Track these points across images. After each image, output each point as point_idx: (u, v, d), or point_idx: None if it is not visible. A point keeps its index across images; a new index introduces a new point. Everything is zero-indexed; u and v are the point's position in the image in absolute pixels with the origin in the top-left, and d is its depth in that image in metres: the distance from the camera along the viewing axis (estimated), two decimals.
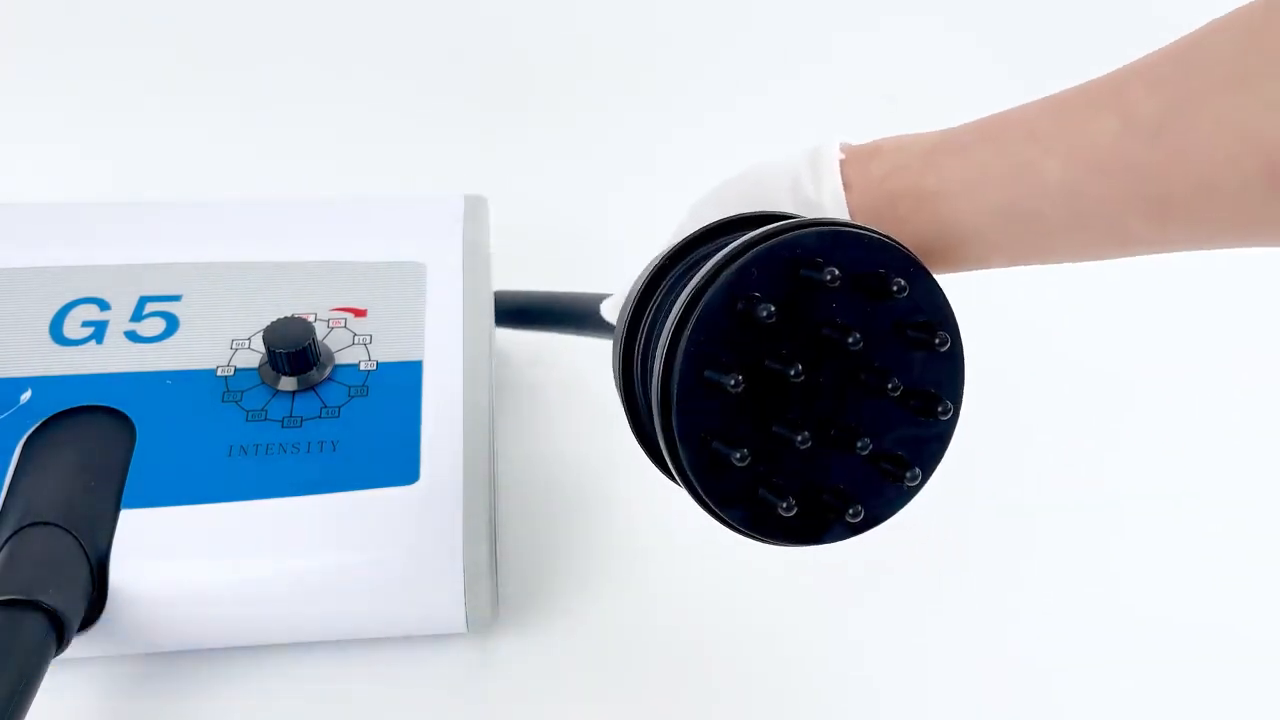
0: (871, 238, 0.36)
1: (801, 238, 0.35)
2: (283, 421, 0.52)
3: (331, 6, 0.97)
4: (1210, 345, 0.71)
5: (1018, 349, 0.68)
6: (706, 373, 0.34)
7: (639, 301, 0.41)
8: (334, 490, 0.50)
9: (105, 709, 0.49)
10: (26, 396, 0.51)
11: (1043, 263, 0.43)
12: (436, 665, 0.51)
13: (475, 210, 0.64)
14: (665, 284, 0.41)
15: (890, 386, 0.35)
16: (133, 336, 0.54)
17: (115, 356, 0.53)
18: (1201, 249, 0.39)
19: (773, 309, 0.33)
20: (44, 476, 0.49)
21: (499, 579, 0.54)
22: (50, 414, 0.51)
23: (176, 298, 0.56)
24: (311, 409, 0.52)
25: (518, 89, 0.95)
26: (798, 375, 0.34)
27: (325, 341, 0.55)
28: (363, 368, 0.54)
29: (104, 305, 0.56)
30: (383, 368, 0.54)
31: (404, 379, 0.54)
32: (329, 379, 0.54)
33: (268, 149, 0.87)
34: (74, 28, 0.93)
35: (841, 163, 0.45)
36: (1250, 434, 0.66)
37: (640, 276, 0.42)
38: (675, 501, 0.62)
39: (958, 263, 0.44)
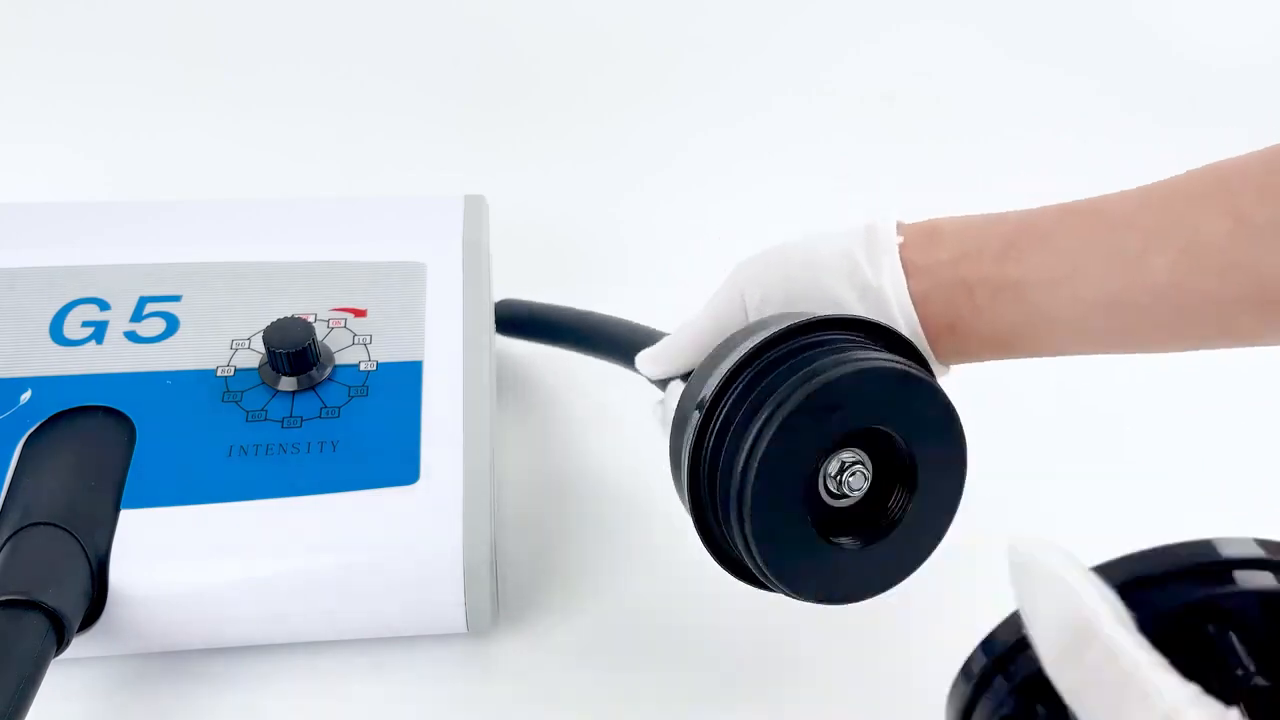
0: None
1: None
2: (283, 422, 0.52)
3: (331, 7, 0.97)
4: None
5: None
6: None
7: (701, 426, 0.43)
8: (334, 490, 0.50)
9: (105, 709, 0.49)
10: (26, 396, 0.52)
11: (1132, 352, 0.43)
12: (436, 665, 0.51)
13: (475, 210, 0.64)
14: (726, 404, 0.42)
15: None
16: (133, 336, 0.54)
17: (115, 356, 0.53)
18: None
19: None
20: (44, 476, 0.49)
21: (499, 579, 0.54)
22: (50, 414, 0.51)
23: (176, 298, 0.56)
24: (311, 409, 0.52)
25: (518, 89, 0.95)
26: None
27: (325, 341, 0.55)
28: (363, 368, 0.54)
29: (104, 305, 0.56)
30: (383, 368, 0.54)
31: (404, 379, 0.54)
32: (329, 379, 0.54)
33: (268, 149, 0.87)
34: (74, 28, 0.93)
35: (900, 246, 0.45)
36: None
37: (699, 391, 0.43)
38: (675, 503, 0.62)
39: (1042, 351, 0.44)
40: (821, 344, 0.42)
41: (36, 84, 0.91)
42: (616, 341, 0.59)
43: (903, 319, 0.44)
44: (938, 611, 0.55)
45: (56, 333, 0.54)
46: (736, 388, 0.42)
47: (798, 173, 0.90)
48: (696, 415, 0.43)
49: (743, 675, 0.51)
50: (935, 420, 0.42)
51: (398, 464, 0.51)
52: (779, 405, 0.40)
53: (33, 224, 0.60)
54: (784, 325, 0.42)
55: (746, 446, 0.40)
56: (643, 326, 0.59)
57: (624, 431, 0.65)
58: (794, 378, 0.40)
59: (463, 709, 0.50)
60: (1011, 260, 0.42)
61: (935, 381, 0.42)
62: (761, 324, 0.44)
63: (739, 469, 0.40)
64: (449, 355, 0.55)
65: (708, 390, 0.42)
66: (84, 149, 0.86)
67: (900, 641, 0.54)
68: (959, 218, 0.45)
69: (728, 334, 0.47)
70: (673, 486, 0.58)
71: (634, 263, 0.79)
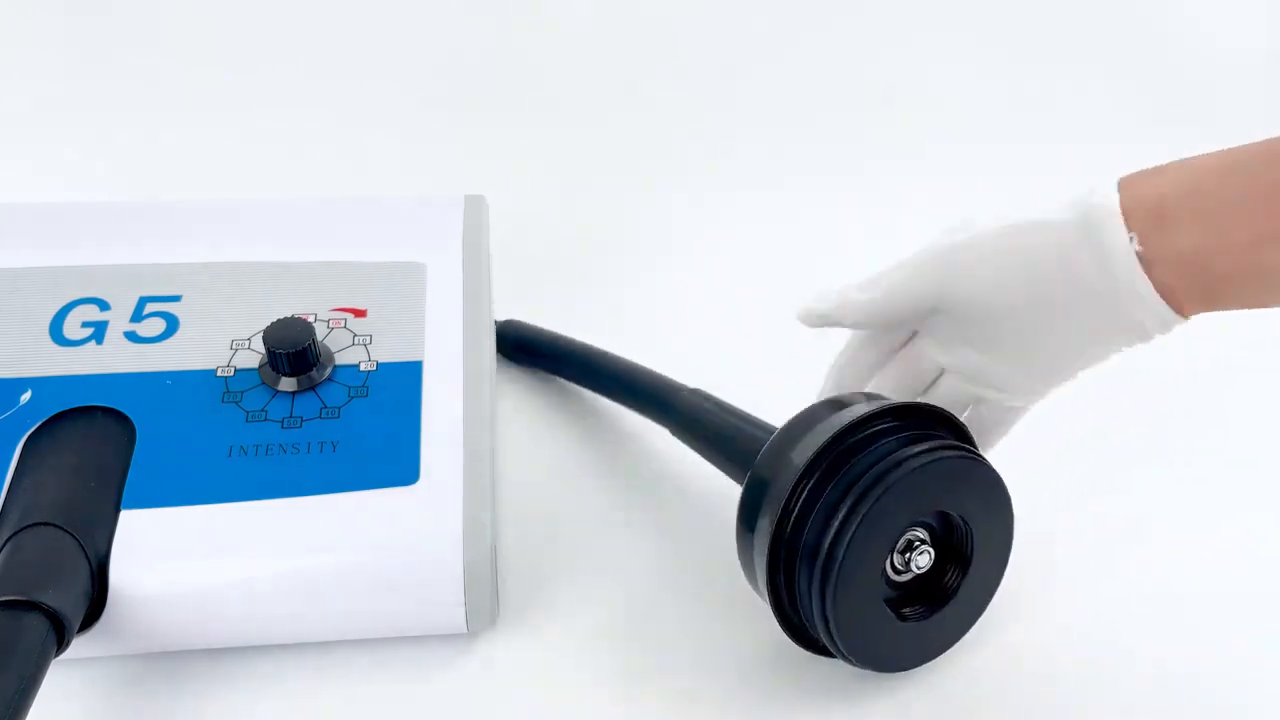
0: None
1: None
2: (283, 422, 0.52)
3: (331, 7, 0.97)
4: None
5: None
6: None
7: (785, 504, 0.45)
8: (334, 490, 0.50)
9: (105, 709, 0.49)
10: (26, 397, 0.52)
11: None
12: (436, 665, 0.51)
13: (475, 210, 0.64)
14: (807, 487, 0.45)
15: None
16: (133, 336, 0.54)
17: (115, 356, 0.53)
18: None
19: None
20: (44, 477, 0.49)
21: (499, 579, 0.54)
22: (50, 414, 0.51)
23: (176, 298, 0.56)
24: (311, 409, 0.52)
25: (519, 89, 0.95)
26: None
27: (325, 342, 0.55)
28: (363, 368, 0.54)
29: (104, 305, 0.56)
30: (383, 368, 0.54)
31: (404, 379, 0.54)
32: (329, 379, 0.54)
33: (268, 149, 0.87)
34: (75, 27, 0.93)
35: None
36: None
37: (781, 468, 0.46)
38: (674, 503, 0.62)
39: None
40: (890, 432, 0.46)
41: (37, 84, 0.91)
42: (627, 385, 0.62)
43: (1151, 315, 0.42)
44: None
45: (56, 333, 0.54)
46: (817, 471, 0.45)
47: (799, 173, 0.90)
48: (779, 494, 0.45)
49: (742, 676, 0.51)
50: (990, 500, 0.48)
51: (398, 464, 0.51)
52: (865, 493, 0.44)
53: (33, 224, 0.60)
54: (861, 413, 0.45)
55: (834, 528, 0.44)
56: (648, 370, 0.61)
57: (624, 431, 0.65)
58: (878, 465, 0.44)
59: (463, 709, 0.50)
60: (1268, 249, 0.38)
61: (993, 468, 0.47)
62: (836, 403, 0.48)
63: (825, 549, 0.44)
64: (449, 355, 0.55)
65: (790, 469, 0.45)
66: (84, 149, 0.86)
67: None
68: (1183, 186, 0.40)
69: (901, 323, 0.50)
70: (675, 495, 0.58)
71: (634, 263, 0.79)
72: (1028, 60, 1.01)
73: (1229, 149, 0.40)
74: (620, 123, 0.93)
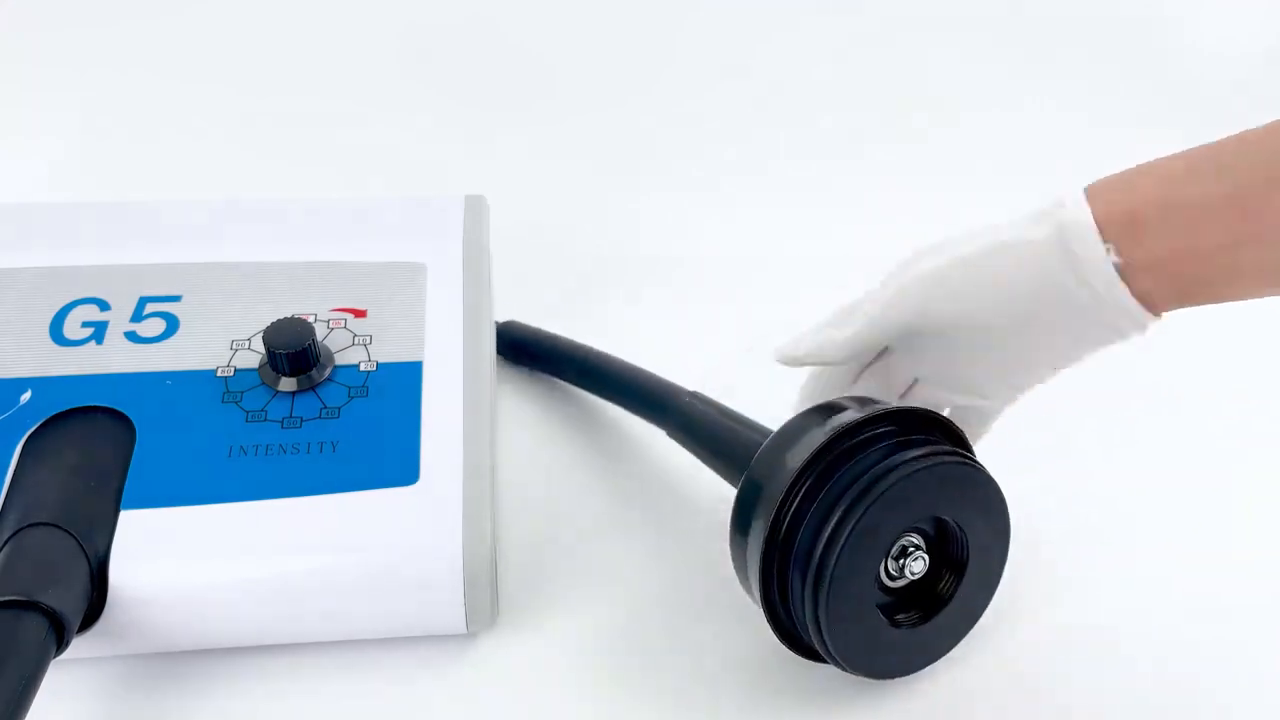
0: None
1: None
2: (283, 422, 0.52)
3: (332, 7, 0.97)
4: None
5: None
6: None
7: (778, 508, 0.45)
8: (334, 490, 0.50)
9: (105, 709, 0.49)
10: (26, 396, 0.52)
11: None
12: (436, 665, 0.51)
13: (475, 210, 0.64)
14: (802, 490, 0.45)
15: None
16: (133, 336, 0.54)
17: (115, 356, 0.53)
18: None
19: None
20: (44, 477, 0.49)
21: (499, 579, 0.54)
22: (50, 414, 0.51)
23: (176, 298, 0.56)
24: (311, 409, 0.52)
25: (519, 88, 0.95)
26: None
27: (325, 342, 0.55)
28: (363, 368, 0.54)
29: (104, 305, 0.56)
30: (383, 368, 0.54)
31: (404, 379, 0.54)
32: (329, 379, 0.54)
33: (268, 149, 0.87)
34: (75, 27, 0.93)
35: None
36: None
37: (773, 474, 0.46)
38: (673, 505, 0.62)
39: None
40: (884, 436, 0.46)
41: (37, 83, 0.91)
42: (625, 387, 0.62)
43: (1130, 320, 0.42)
44: None
45: (56, 333, 0.54)
46: (810, 476, 0.45)
47: (804, 175, 0.90)
48: (773, 497, 0.45)
49: (738, 679, 0.51)
50: (985, 505, 0.47)
51: (398, 464, 0.51)
52: (858, 499, 0.43)
53: (33, 224, 0.60)
54: (856, 417, 0.45)
55: (827, 534, 0.43)
56: (647, 373, 0.61)
57: (624, 433, 0.65)
58: (872, 470, 0.44)
59: (462, 709, 0.50)
60: (1243, 250, 0.39)
61: (988, 473, 0.47)
62: (830, 407, 0.48)
63: (817, 555, 0.44)
64: (449, 355, 0.55)
65: (784, 473, 0.45)
66: (84, 148, 0.86)
67: None
68: (1154, 193, 0.41)
69: (885, 343, 0.49)
70: (673, 497, 0.58)
71: (636, 264, 0.79)
72: (1026, 61, 1.01)
73: (1195, 149, 0.41)
74: (622, 122, 0.93)
